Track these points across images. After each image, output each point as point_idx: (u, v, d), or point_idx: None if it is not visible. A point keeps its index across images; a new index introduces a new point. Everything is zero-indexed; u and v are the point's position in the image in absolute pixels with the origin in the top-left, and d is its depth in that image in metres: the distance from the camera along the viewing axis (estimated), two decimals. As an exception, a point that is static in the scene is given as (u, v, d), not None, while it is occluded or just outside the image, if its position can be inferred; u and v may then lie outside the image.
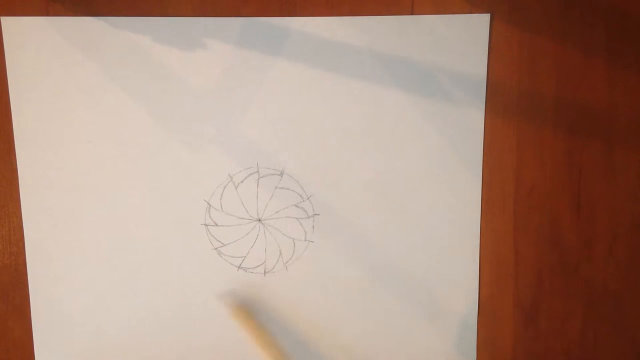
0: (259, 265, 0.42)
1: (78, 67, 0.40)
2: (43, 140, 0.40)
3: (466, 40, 0.41)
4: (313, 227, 0.42)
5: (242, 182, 0.41)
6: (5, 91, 0.40)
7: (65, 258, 0.41)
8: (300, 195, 0.42)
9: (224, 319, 0.42)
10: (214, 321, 0.42)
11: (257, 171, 0.41)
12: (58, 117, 0.40)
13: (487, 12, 0.41)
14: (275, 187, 0.41)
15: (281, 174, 0.41)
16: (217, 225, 0.42)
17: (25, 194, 0.41)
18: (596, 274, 0.43)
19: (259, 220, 0.42)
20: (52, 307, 0.41)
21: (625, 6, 0.41)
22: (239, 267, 0.42)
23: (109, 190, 0.41)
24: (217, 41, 0.40)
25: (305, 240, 0.42)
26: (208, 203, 0.42)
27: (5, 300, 0.41)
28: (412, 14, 0.41)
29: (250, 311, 0.41)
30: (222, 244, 0.42)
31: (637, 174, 0.42)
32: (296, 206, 0.42)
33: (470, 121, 0.41)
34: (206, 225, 0.42)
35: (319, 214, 0.42)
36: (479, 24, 0.41)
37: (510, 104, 0.42)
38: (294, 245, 0.42)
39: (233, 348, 0.42)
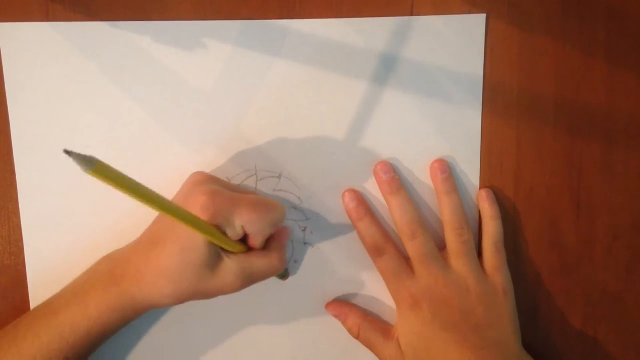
0: (257, 268, 0.42)
1: (76, 71, 0.40)
2: (41, 144, 0.40)
3: (463, 40, 0.41)
4: (312, 229, 0.42)
5: (240, 185, 0.41)
6: (3, 94, 0.40)
7: (65, 258, 0.41)
8: (299, 198, 0.42)
9: (224, 320, 0.42)
10: (214, 322, 0.42)
11: (256, 174, 0.41)
12: (56, 121, 0.40)
13: (485, 12, 0.41)
14: (274, 190, 0.41)
15: (279, 177, 0.41)
16: (216, 226, 0.42)
17: (23, 196, 0.41)
18: (596, 274, 0.43)
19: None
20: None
21: (625, 6, 0.41)
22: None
23: (108, 192, 0.41)
24: (215, 43, 0.40)
25: (304, 243, 0.42)
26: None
27: (5, 300, 0.42)
28: (412, 14, 0.41)
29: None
30: (221, 245, 0.42)
31: (637, 174, 0.42)
32: (294, 208, 0.42)
33: (468, 121, 0.41)
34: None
35: (317, 216, 0.42)
36: (476, 24, 0.41)
37: (510, 104, 0.42)
38: (293, 248, 0.42)
39: (234, 343, 0.43)
